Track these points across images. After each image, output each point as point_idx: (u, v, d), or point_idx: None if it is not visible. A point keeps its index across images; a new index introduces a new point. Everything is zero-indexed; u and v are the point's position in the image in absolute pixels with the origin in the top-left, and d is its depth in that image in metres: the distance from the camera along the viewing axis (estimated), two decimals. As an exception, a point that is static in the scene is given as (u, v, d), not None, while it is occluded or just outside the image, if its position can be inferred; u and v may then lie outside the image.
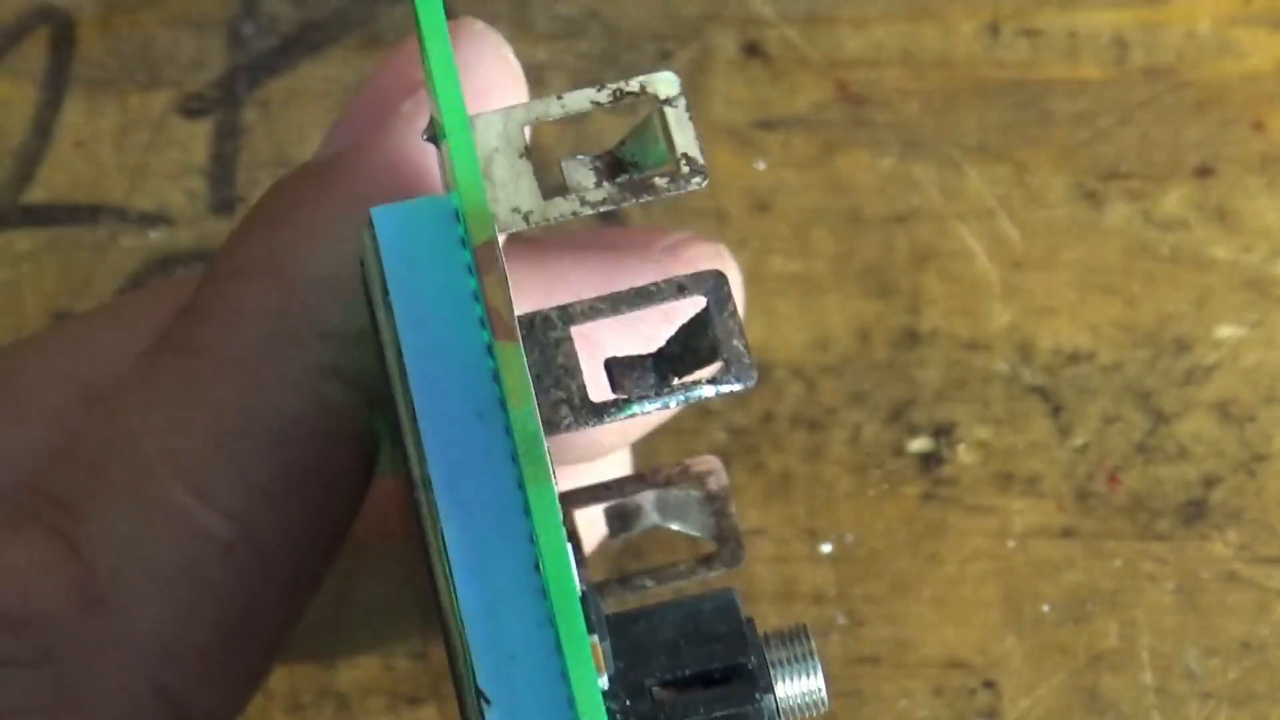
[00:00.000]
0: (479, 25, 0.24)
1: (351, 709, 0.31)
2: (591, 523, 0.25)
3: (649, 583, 0.24)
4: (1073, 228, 0.32)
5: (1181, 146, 0.32)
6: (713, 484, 0.24)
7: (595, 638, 0.18)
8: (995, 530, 0.30)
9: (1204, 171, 0.32)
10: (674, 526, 0.24)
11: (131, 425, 0.22)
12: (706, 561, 0.23)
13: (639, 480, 0.23)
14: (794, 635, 0.21)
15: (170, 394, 0.22)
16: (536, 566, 0.18)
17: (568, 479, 0.23)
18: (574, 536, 0.24)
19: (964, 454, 0.31)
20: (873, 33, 0.33)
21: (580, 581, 0.19)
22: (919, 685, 0.30)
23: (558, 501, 0.18)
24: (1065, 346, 0.31)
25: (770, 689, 0.20)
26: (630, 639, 0.20)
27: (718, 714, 0.20)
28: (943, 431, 0.31)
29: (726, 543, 0.23)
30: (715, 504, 0.24)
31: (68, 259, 0.33)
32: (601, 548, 0.27)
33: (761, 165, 0.31)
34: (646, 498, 0.24)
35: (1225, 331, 0.31)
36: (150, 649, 0.21)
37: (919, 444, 0.30)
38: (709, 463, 0.24)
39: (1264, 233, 0.32)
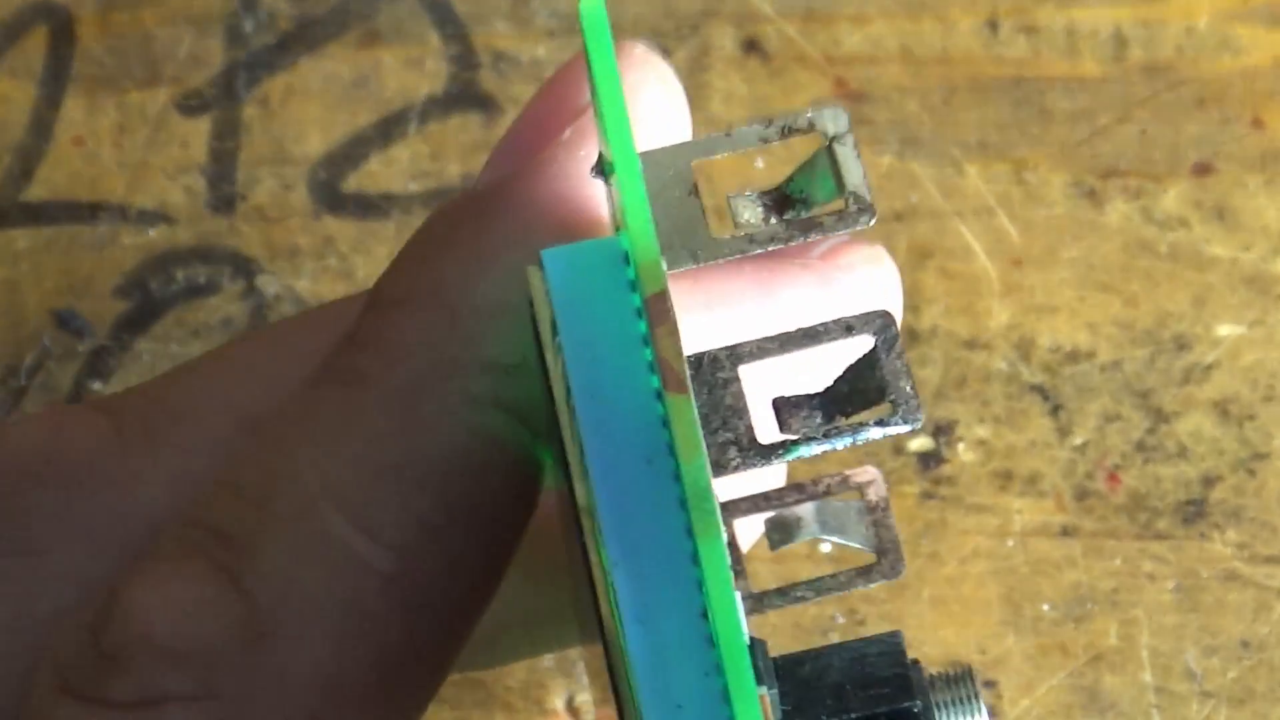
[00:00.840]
0: (641, 49, 0.23)
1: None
2: (748, 525, 0.24)
3: (809, 594, 0.22)
4: (1072, 225, 0.31)
5: (1180, 144, 0.31)
6: (872, 494, 0.23)
7: (764, 689, 0.19)
8: (995, 529, 0.30)
9: (1203, 169, 0.31)
10: (833, 539, 0.23)
11: (293, 457, 0.21)
12: (865, 573, 0.22)
13: (799, 490, 0.22)
14: (959, 678, 0.20)
15: (332, 425, 0.21)
16: (704, 614, 0.18)
17: (727, 486, 0.22)
18: (734, 546, 0.23)
19: (964, 453, 0.30)
20: (872, 29, 0.32)
21: (746, 627, 0.19)
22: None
23: (727, 553, 0.18)
24: (1065, 345, 0.31)
25: None
26: (796, 682, 0.20)
27: None
28: (942, 430, 0.30)
29: (886, 554, 0.22)
30: (875, 514, 0.23)
31: (67, 257, 0.32)
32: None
33: (760, 164, 0.30)
34: (807, 509, 0.23)
35: (1225, 330, 0.31)
36: (312, 685, 0.21)
37: (918, 443, 0.30)
38: (869, 473, 0.23)
39: (1263, 231, 0.31)
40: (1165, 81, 0.31)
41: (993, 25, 0.32)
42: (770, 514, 0.22)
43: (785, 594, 0.22)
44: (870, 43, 0.32)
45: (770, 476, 0.24)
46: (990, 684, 0.29)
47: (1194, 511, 0.29)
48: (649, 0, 0.32)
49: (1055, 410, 0.30)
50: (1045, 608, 0.29)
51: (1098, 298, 0.31)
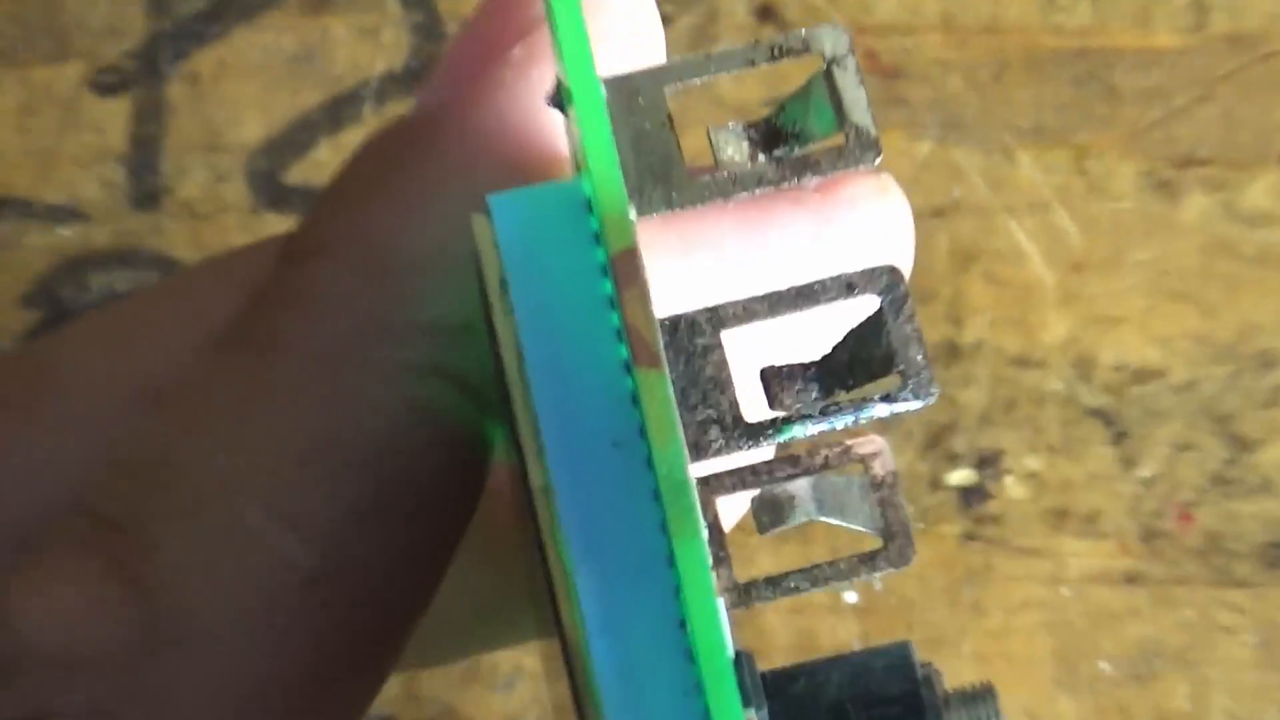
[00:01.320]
0: None
1: None
2: (732, 502, 0.25)
3: (804, 584, 0.22)
4: (1142, 223, 0.28)
5: (1270, 128, 0.28)
6: (878, 468, 0.22)
7: (751, 711, 0.16)
8: (1048, 576, 0.28)
9: None
10: (832, 521, 0.20)
11: (199, 435, 0.18)
12: (870, 560, 0.21)
13: (792, 463, 0.21)
14: (979, 696, 0.18)
15: (244, 397, 0.18)
16: (681, 624, 0.15)
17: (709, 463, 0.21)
18: (716, 529, 0.19)
19: (1012, 487, 0.28)
20: (909, 3, 0.30)
21: (731, 639, 0.16)
22: None
23: (708, 553, 0.15)
24: (1131, 362, 0.28)
25: None
26: (789, 701, 0.17)
27: None
28: (988, 461, 0.27)
29: (894, 538, 0.21)
30: (881, 492, 0.22)
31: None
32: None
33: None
34: (801, 486, 0.22)
35: None
36: (227, 699, 0.18)
37: (960, 476, 0.27)
38: (874, 443, 0.23)
39: None
40: (1253, 55, 0.29)
41: (1048, 8, 0.30)
42: (758, 491, 0.23)
43: (776, 584, 0.18)
44: (907, 9, 0.29)
45: (759, 450, 0.24)
46: None
47: (1279, 555, 0.28)
48: None
49: (1119, 438, 0.27)
50: (1105, 666, 0.27)
51: (1171, 308, 0.28)
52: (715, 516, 0.17)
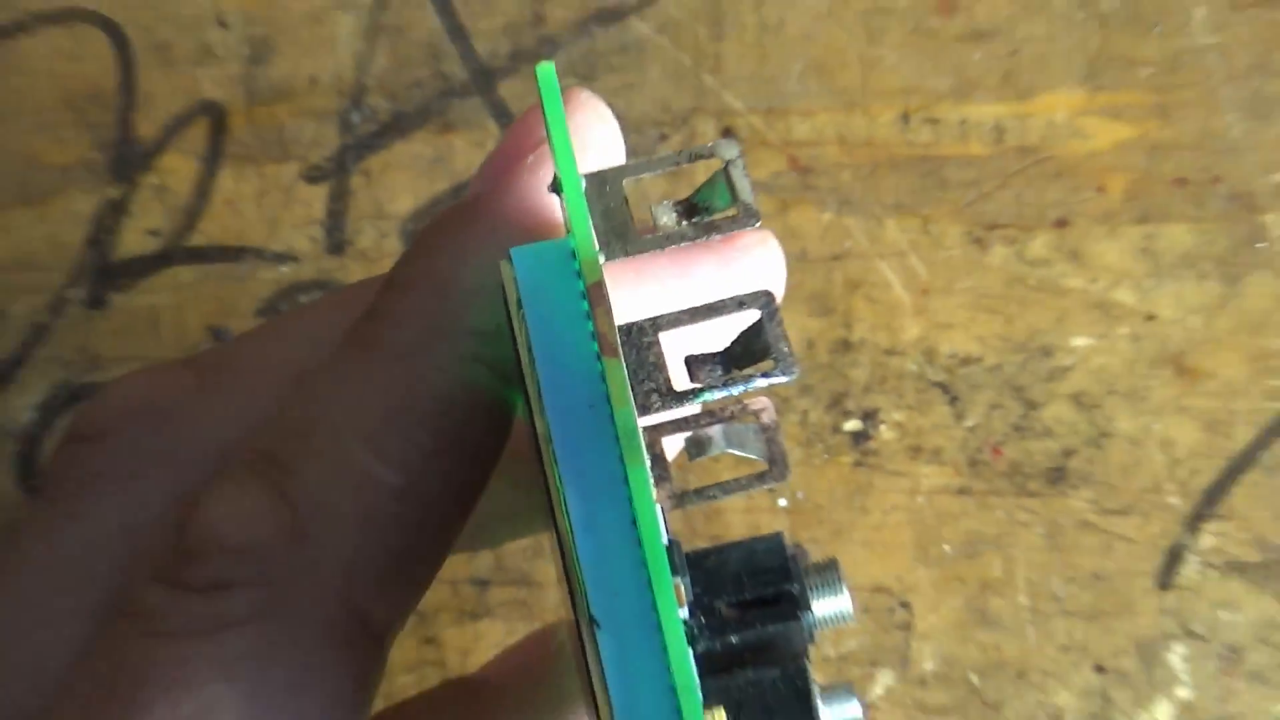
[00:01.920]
0: (585, 94, 0.25)
1: (427, 622, 0.33)
2: (672, 442, 0.25)
3: (719, 493, 0.23)
4: (965, 265, 0.33)
5: (1044, 205, 0.33)
6: (765, 418, 0.23)
7: (678, 578, 0.20)
8: (908, 489, 0.33)
9: (1061, 223, 0.34)
10: (736, 452, 0.25)
11: (327, 401, 0.23)
12: (760, 477, 0.23)
13: (710, 416, 0.23)
14: (827, 566, 0.22)
15: (355, 376, 0.23)
16: (634, 522, 0.20)
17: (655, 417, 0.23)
18: (661, 459, 0.24)
19: (885, 432, 0.33)
20: (816, 121, 0.35)
21: (666, 531, 0.21)
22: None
23: (650, 476, 0.20)
24: (960, 352, 0.33)
25: (809, 607, 0.22)
26: (705, 571, 0.22)
27: (772, 627, 0.21)
28: (869, 415, 0.33)
29: (776, 463, 0.23)
30: (768, 433, 0.24)
31: (220, 287, 0.34)
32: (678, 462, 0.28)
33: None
34: (717, 430, 0.24)
35: (1078, 341, 0.33)
36: (340, 573, 0.22)
37: (851, 424, 0.33)
38: (762, 402, 0.23)
39: (1106, 268, 0.33)
40: (1033, 159, 0.34)
41: (905, 118, 0.34)
42: (689, 433, 0.24)
43: (701, 494, 0.23)
44: (815, 130, 0.34)
45: (686, 408, 0.25)
46: (905, 604, 0.32)
47: (1057, 476, 0.32)
48: (651, 100, 0.34)
49: (953, 401, 0.33)
50: (946, 548, 0.32)
51: (985, 317, 0.33)
52: (660, 451, 0.22)
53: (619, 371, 0.20)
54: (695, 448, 0.24)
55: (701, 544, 0.24)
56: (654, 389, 0.21)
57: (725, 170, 0.21)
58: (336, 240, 0.35)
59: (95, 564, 0.24)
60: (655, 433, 0.23)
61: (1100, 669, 0.32)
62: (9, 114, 0.35)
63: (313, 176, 0.35)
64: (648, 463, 0.20)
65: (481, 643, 0.34)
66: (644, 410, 0.21)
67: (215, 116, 0.35)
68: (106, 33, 0.35)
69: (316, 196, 0.35)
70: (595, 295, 0.20)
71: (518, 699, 0.28)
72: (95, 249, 0.35)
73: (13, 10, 0.35)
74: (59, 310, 0.34)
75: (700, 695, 0.20)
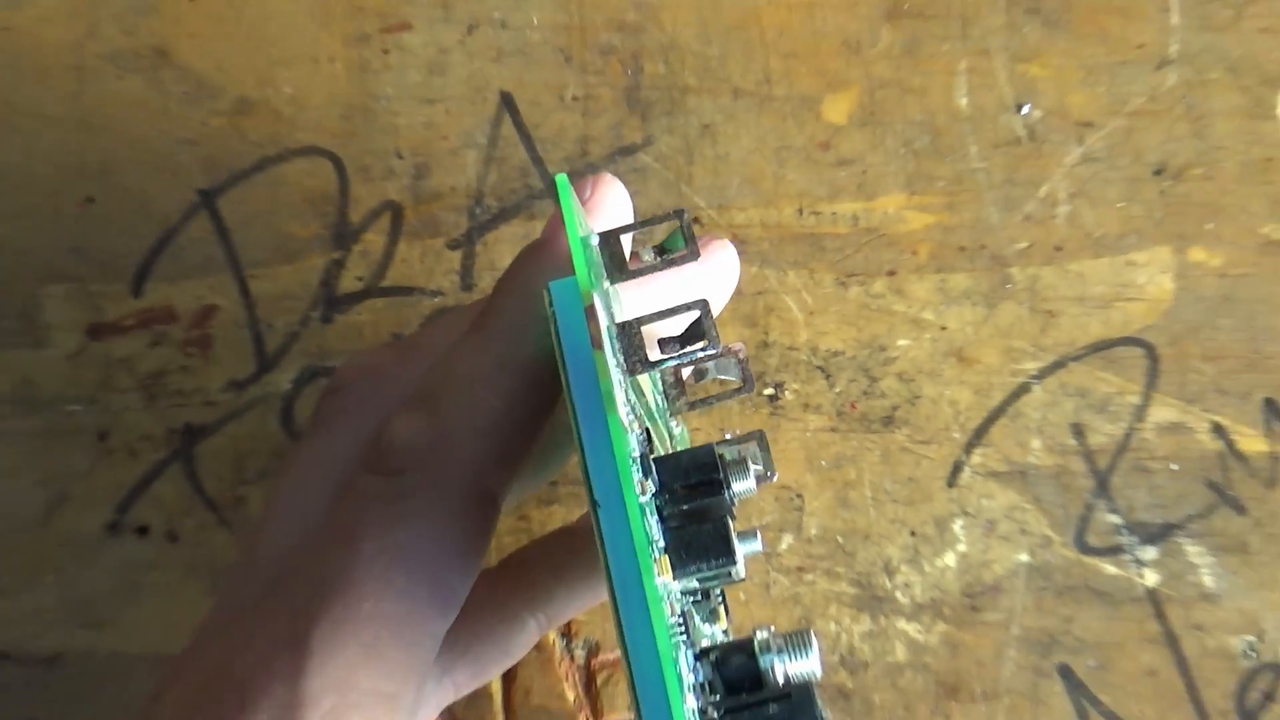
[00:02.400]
0: (608, 175, 0.30)
1: (519, 506, 0.39)
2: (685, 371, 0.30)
3: (713, 401, 0.29)
4: (835, 298, 0.41)
5: (881, 262, 0.41)
6: (741, 354, 0.30)
7: (645, 478, 0.25)
8: (801, 429, 0.40)
9: (891, 273, 0.41)
10: (724, 376, 0.31)
11: (459, 362, 0.29)
12: (737, 390, 0.28)
13: (708, 356, 0.27)
14: (740, 461, 0.27)
15: (475, 347, 0.29)
16: (613, 453, 0.24)
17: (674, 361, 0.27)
18: (680, 382, 0.30)
19: (787, 395, 0.40)
20: (748, 213, 0.41)
21: (638, 447, 0.25)
22: (767, 497, 0.40)
23: (622, 421, 0.24)
24: (832, 349, 0.40)
25: (730, 486, 0.26)
26: (667, 467, 0.26)
27: (707, 499, 0.25)
28: (779, 386, 0.40)
29: (747, 381, 0.28)
30: (743, 364, 0.30)
31: (398, 311, 0.41)
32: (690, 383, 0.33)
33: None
34: (711, 364, 0.31)
35: (901, 342, 0.41)
36: (468, 462, 0.28)
37: (768, 391, 0.40)
38: (739, 345, 0.30)
39: (917, 299, 0.41)
40: (875, 235, 0.41)
41: (800, 211, 0.41)
42: (695, 368, 0.30)
43: (704, 401, 0.29)
44: (747, 219, 0.41)
45: (661, 364, 0.27)
46: (799, 495, 0.39)
47: (888, 421, 0.40)
48: (650, 200, 0.40)
49: (828, 377, 0.40)
50: (823, 463, 0.40)
51: (846, 329, 0.40)
52: (680, 377, 0.28)
53: (602, 359, 0.24)
54: (698, 375, 0.31)
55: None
56: (638, 359, 0.25)
57: (684, 226, 0.27)
58: (467, 283, 0.41)
59: (336, 461, 0.30)
60: (677, 369, 0.29)
61: (913, 533, 0.39)
62: (276, 207, 0.41)
63: (452, 245, 0.41)
64: (624, 410, 0.24)
65: (552, 518, 0.40)
66: (633, 371, 0.25)
67: (395, 210, 0.41)
68: (331, 160, 0.41)
69: (455, 258, 0.41)
70: (587, 311, 0.25)
71: (587, 539, 0.32)
72: (325, 288, 0.41)
73: (278, 147, 0.41)
74: (305, 323, 0.41)
75: (652, 551, 0.24)
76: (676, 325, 0.27)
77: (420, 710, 0.31)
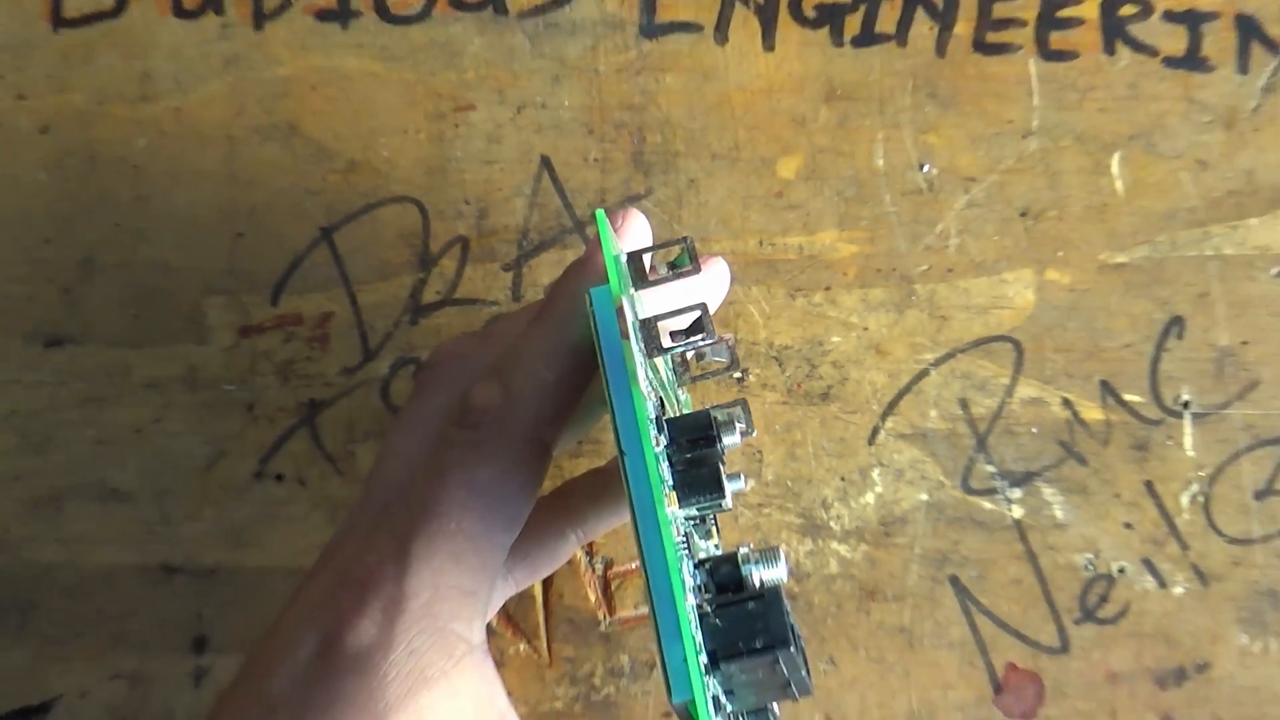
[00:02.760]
0: (634, 210, 0.33)
1: (555, 461, 0.41)
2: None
3: (708, 377, 0.32)
4: (785, 306, 0.46)
5: (819, 280, 0.45)
6: (730, 342, 0.32)
7: (656, 432, 0.28)
8: (761, 403, 0.46)
9: (828, 288, 0.45)
10: (715, 357, 0.33)
11: (523, 344, 0.32)
12: (727, 369, 0.30)
13: (706, 344, 0.29)
14: (728, 420, 0.29)
15: (536, 334, 0.32)
16: (636, 415, 0.27)
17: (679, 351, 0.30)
18: (685, 363, 0.33)
19: (751, 378, 0.46)
20: (721, 244, 0.46)
21: (653, 410, 0.27)
22: (735, 452, 0.44)
23: (642, 392, 0.26)
24: (784, 344, 0.46)
25: (720, 440, 0.28)
26: (675, 426, 0.29)
27: (704, 449, 0.28)
28: (744, 371, 0.46)
29: (734, 362, 0.30)
30: (731, 349, 0.31)
31: (466, 316, 0.46)
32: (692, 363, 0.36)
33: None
34: (707, 348, 0.32)
35: (835, 339, 0.46)
36: (529, 420, 0.32)
37: (737, 375, 0.46)
38: (729, 335, 0.35)
39: (847, 308, 0.45)
40: (816, 261, 0.46)
41: (760, 243, 0.46)
42: (695, 350, 0.31)
43: (701, 377, 0.32)
44: (721, 249, 0.46)
45: (679, 349, 0.31)
46: (759, 452, 0.45)
47: (824, 397, 0.46)
48: (652, 234, 0.39)
49: (780, 365, 0.46)
50: (777, 428, 0.45)
51: (794, 329, 0.46)
52: (686, 359, 0.31)
53: (628, 346, 0.27)
54: (698, 357, 0.34)
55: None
56: (655, 346, 0.28)
57: (689, 247, 0.31)
58: (516, 296, 0.47)
59: (431, 419, 0.33)
60: (683, 353, 0.31)
61: (843, 479, 0.45)
62: (376, 240, 0.45)
63: (505, 268, 0.47)
64: (644, 384, 0.27)
65: (579, 466, 0.45)
66: (650, 355, 0.28)
67: (464, 243, 0.46)
68: (416, 206, 0.46)
69: (507, 278, 0.47)
70: (619, 312, 0.28)
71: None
72: (413, 299, 0.46)
73: (378, 196, 0.45)
74: (397, 325, 0.46)
75: (663, 488, 0.27)
76: (684, 321, 0.30)
77: (491, 601, 0.34)
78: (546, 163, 0.47)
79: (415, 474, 0.32)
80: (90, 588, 0.45)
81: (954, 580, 0.45)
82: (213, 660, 0.45)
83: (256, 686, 0.31)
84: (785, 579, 0.28)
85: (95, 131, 0.47)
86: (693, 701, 0.26)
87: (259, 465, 0.46)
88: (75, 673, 0.45)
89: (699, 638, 0.27)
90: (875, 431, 0.46)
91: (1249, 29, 0.46)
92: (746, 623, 0.27)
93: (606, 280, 0.29)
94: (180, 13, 0.47)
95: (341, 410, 0.46)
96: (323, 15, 0.47)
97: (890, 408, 0.46)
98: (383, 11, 0.47)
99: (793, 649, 0.28)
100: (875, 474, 0.46)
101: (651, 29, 0.47)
